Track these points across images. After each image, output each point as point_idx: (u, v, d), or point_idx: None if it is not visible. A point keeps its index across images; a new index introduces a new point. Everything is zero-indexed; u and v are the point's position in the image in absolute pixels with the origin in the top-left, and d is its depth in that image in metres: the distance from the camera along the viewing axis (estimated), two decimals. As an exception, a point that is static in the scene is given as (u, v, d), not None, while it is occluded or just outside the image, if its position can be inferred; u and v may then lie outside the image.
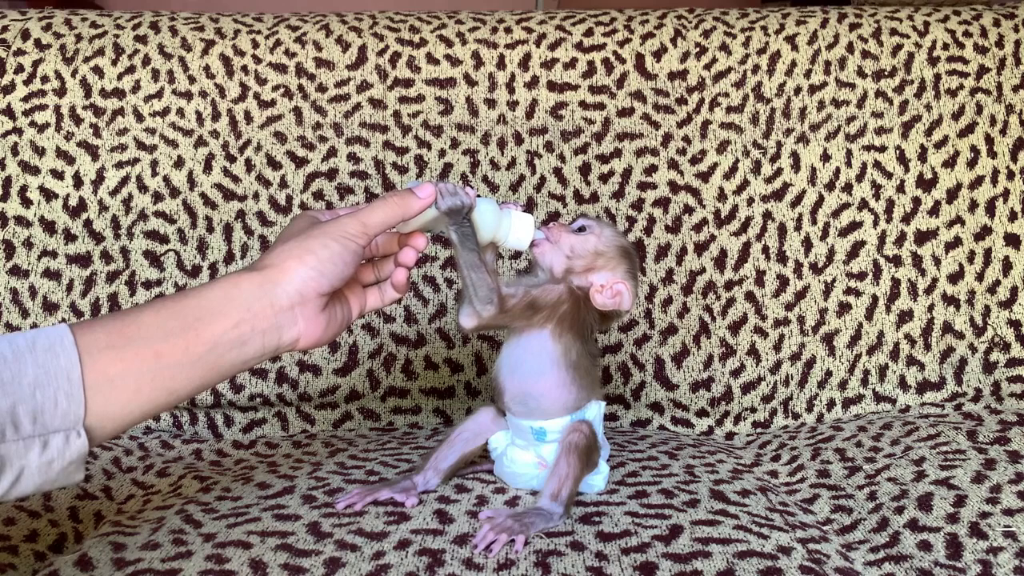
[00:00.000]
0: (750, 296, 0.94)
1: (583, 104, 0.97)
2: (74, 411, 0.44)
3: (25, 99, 0.97)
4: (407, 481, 0.65)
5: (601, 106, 0.97)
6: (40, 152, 0.96)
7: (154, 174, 0.95)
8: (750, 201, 0.95)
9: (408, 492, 0.63)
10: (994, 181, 0.95)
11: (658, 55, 0.99)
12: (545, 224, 0.65)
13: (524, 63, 0.98)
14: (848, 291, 0.93)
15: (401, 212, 0.56)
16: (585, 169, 0.96)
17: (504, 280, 0.63)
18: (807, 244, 0.94)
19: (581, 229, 0.64)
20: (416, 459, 0.74)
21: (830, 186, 0.95)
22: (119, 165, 0.96)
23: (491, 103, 0.97)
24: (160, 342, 0.47)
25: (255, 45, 0.99)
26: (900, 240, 0.94)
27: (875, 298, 0.93)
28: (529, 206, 0.95)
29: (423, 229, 0.61)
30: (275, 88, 0.98)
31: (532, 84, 0.98)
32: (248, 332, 0.50)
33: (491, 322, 0.62)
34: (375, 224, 0.55)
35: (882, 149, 0.96)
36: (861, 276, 0.93)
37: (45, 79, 0.97)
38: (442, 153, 0.96)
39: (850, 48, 0.98)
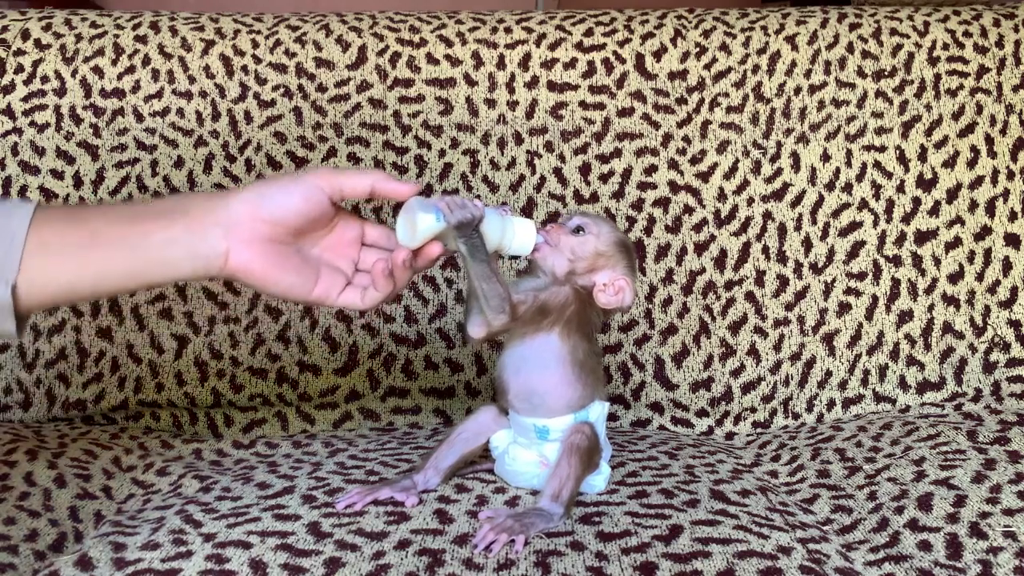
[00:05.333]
0: (750, 296, 0.94)
1: (583, 104, 0.97)
2: (9, 267, 0.48)
3: (25, 99, 0.97)
4: (407, 480, 0.65)
5: (601, 106, 0.97)
6: (40, 152, 0.96)
7: (154, 174, 0.95)
8: (750, 201, 0.95)
9: (408, 491, 0.63)
10: (994, 181, 0.95)
11: (658, 55, 0.99)
12: (543, 226, 0.65)
13: (524, 63, 0.98)
14: (848, 291, 0.93)
15: (373, 180, 0.57)
16: (585, 169, 0.96)
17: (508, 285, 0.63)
18: (807, 244, 0.94)
19: (579, 229, 0.64)
20: (416, 459, 0.74)
21: (830, 186, 0.95)
22: (119, 165, 0.96)
23: (491, 103, 0.97)
24: (101, 224, 0.52)
25: (255, 45, 0.99)
26: (900, 240, 0.94)
27: (875, 298, 0.93)
28: (529, 206, 0.95)
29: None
30: (275, 88, 0.98)
31: (532, 84, 0.98)
32: (181, 233, 0.53)
33: (501, 330, 0.62)
34: (344, 179, 0.56)
35: (882, 149, 0.96)
36: (861, 276, 0.93)
37: (45, 79, 0.97)
38: (442, 153, 0.96)
39: (850, 48, 0.98)
